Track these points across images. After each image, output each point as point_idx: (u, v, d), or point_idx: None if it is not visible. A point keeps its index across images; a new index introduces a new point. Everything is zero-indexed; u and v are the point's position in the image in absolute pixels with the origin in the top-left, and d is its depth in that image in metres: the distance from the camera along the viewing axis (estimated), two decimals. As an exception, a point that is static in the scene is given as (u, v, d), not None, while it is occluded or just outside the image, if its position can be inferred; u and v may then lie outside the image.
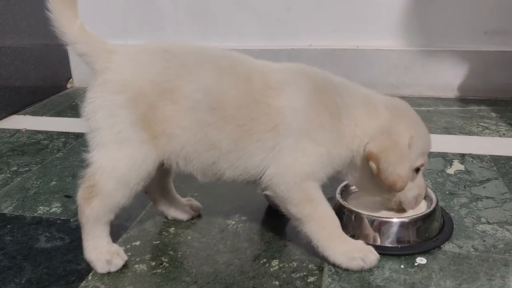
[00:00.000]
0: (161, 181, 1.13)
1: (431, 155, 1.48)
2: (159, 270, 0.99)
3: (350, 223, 1.08)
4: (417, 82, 2.10)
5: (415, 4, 2.04)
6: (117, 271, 0.98)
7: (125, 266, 1.00)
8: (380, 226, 1.06)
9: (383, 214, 1.08)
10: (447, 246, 1.04)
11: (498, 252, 1.02)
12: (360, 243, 1.00)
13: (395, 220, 1.06)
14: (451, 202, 1.22)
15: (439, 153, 1.51)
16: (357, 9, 2.10)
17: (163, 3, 2.28)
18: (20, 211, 1.25)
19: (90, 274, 0.98)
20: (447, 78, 2.09)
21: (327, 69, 1.04)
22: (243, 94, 0.95)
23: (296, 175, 0.95)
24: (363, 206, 1.10)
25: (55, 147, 1.68)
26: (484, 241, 1.06)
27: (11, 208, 1.27)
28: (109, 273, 0.98)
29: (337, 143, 0.97)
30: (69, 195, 1.31)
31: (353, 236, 1.03)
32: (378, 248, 1.02)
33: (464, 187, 1.30)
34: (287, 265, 1.00)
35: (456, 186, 1.30)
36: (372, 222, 1.06)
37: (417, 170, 1.03)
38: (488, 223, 1.12)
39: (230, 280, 0.96)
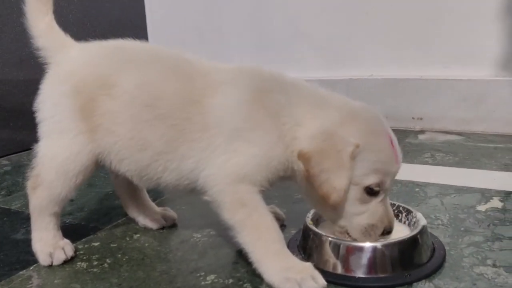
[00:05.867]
0: (131, 186, 1.11)
1: (468, 190, 1.25)
2: (95, 270, 0.96)
3: (314, 247, 0.94)
4: (491, 116, 1.81)
5: (487, 28, 1.80)
6: (59, 265, 0.97)
7: (69, 261, 0.99)
8: (347, 252, 0.90)
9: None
10: (421, 285, 0.84)
11: (485, 299, 0.79)
12: (305, 264, 0.86)
13: (366, 245, 0.88)
14: (460, 240, 0.99)
15: (480, 189, 1.26)
16: (421, 36, 1.92)
17: (231, 36, 2.35)
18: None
19: (34, 265, 0.98)
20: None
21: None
22: (180, 93, 0.91)
23: (227, 176, 0.86)
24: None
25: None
26: (475, 284, 0.83)
27: (19, 205, 1.37)
28: (51, 266, 0.97)
29: (275, 144, 0.87)
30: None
31: (316, 264, 0.89)
32: (331, 276, 0.87)
33: (488, 225, 1.05)
34: (221, 281, 0.89)
35: (478, 223, 1.06)
36: (337, 247, 0.91)
37: (369, 191, 0.86)
38: (494, 266, 0.88)
39: (153, 287, 0.89)
